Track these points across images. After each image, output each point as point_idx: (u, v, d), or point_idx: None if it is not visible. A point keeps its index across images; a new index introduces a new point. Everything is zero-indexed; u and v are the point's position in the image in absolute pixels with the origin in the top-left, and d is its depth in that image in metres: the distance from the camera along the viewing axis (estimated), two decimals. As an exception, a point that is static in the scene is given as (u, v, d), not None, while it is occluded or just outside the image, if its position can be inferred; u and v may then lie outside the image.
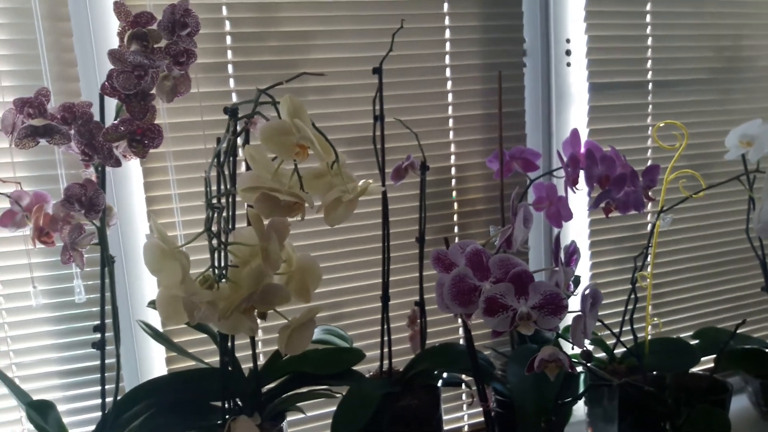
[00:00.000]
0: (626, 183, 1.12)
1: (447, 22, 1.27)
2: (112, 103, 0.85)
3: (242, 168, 1.07)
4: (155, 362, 1.17)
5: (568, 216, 1.19)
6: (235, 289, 0.79)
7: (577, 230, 1.43)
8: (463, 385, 1.22)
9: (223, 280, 0.80)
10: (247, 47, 1.15)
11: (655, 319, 1.33)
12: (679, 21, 1.46)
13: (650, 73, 1.45)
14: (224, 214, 0.82)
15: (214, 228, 0.78)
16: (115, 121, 0.81)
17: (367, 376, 1.15)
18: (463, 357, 1.11)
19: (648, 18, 1.42)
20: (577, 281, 1.17)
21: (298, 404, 1.03)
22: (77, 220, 0.87)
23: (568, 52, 1.37)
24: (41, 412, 0.94)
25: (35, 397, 0.97)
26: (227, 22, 1.13)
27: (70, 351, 1.11)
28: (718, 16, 1.49)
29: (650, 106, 1.46)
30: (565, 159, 1.15)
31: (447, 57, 1.29)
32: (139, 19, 0.78)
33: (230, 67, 1.14)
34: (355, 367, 1.08)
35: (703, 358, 1.19)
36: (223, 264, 0.80)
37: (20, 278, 1.07)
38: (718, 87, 1.51)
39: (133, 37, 0.77)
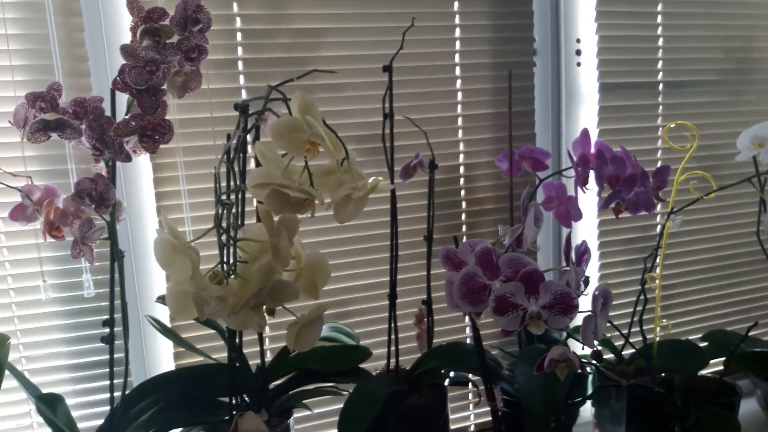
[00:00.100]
0: (636, 183, 1.11)
1: (457, 20, 1.27)
2: (123, 99, 0.85)
3: (251, 164, 1.07)
4: (163, 357, 1.17)
5: (578, 216, 1.18)
6: (244, 285, 0.79)
7: (586, 230, 1.42)
8: (470, 385, 1.21)
9: (232, 276, 0.80)
10: (258, 44, 1.15)
11: (664, 320, 1.32)
12: (690, 21, 1.45)
13: (661, 73, 1.44)
14: (234, 210, 0.83)
15: (223, 224, 0.78)
16: (126, 116, 0.81)
17: (373, 374, 1.15)
18: (470, 356, 1.11)
19: (659, 18, 1.42)
20: (586, 281, 1.16)
21: (305, 401, 1.03)
22: (87, 215, 0.87)
23: (578, 52, 1.36)
24: (50, 405, 0.94)
25: (44, 391, 0.97)
26: (238, 19, 1.13)
27: (79, 345, 1.11)
28: (728, 17, 1.48)
29: (660, 107, 1.45)
30: (575, 159, 1.15)
31: (457, 56, 1.28)
32: (151, 15, 0.79)
33: (240, 64, 1.14)
34: (362, 365, 1.08)
35: (711, 361, 1.19)
36: (232, 260, 0.80)
37: (30, 272, 1.07)
38: (728, 88, 1.50)
39: (145, 33, 0.78)
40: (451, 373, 1.17)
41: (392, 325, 1.15)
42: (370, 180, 0.80)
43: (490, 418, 1.27)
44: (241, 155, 0.87)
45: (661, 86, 1.44)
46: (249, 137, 0.88)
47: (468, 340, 1.36)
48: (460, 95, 1.30)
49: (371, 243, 1.26)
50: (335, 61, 1.20)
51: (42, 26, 1.02)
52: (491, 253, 0.83)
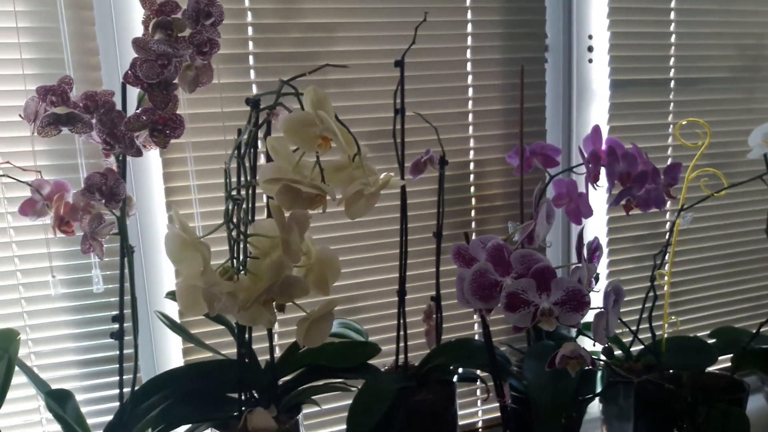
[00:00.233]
0: (647, 180, 1.10)
1: (469, 16, 1.27)
2: (133, 93, 0.85)
3: (262, 160, 1.07)
4: (172, 353, 1.17)
5: (588, 213, 1.18)
6: (255, 281, 0.78)
7: (596, 227, 1.41)
8: (479, 381, 1.21)
9: (243, 272, 0.79)
10: (269, 38, 1.14)
11: (673, 317, 1.32)
12: (703, 18, 1.44)
13: (672, 70, 1.43)
14: (244, 205, 0.82)
15: (234, 219, 0.78)
16: (138, 111, 0.81)
17: (382, 370, 1.15)
18: (479, 352, 1.11)
19: (671, 15, 1.41)
20: (596, 278, 1.16)
21: (314, 397, 1.03)
22: (97, 210, 0.87)
23: (590, 49, 1.36)
24: (60, 401, 0.94)
25: (54, 386, 0.97)
26: (249, 13, 1.13)
27: (89, 341, 1.11)
28: (741, 14, 1.47)
29: (672, 104, 1.44)
30: (586, 155, 1.14)
31: (468, 51, 1.28)
32: (164, 8, 0.78)
33: (251, 58, 1.14)
34: (370, 361, 1.08)
35: (719, 358, 1.18)
36: (242, 256, 0.80)
37: (39, 267, 1.07)
38: (741, 85, 1.49)
39: (157, 26, 0.77)
40: (460, 369, 1.17)
41: (401, 321, 1.15)
42: (382, 176, 0.79)
43: (498, 414, 1.27)
44: (251, 150, 0.86)
45: (672, 83, 1.44)
46: (260, 132, 0.88)
47: (477, 337, 1.36)
48: (471, 91, 1.29)
49: (381, 239, 1.26)
50: (347, 56, 1.19)
51: (53, 19, 1.02)
52: (503, 249, 0.82)
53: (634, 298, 1.44)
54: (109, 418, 0.96)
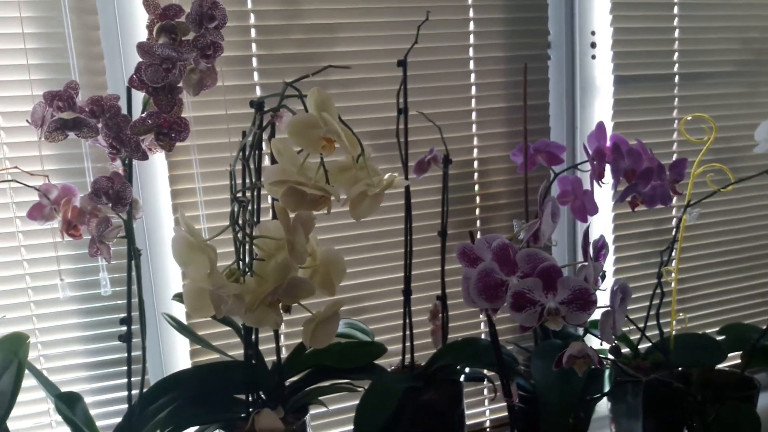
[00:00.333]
0: (653, 177, 1.10)
1: (471, 14, 1.26)
2: (138, 97, 0.85)
3: (266, 162, 1.07)
4: (179, 355, 1.18)
5: (594, 210, 1.18)
6: (261, 283, 0.79)
7: (602, 224, 1.41)
8: (486, 380, 1.21)
9: (249, 274, 0.80)
10: (272, 40, 1.14)
11: (681, 314, 1.31)
12: (706, 12, 1.43)
13: (677, 65, 1.42)
14: (249, 207, 0.82)
15: (239, 221, 0.78)
16: (143, 114, 0.81)
17: (389, 370, 1.15)
18: (485, 352, 1.10)
19: (675, 9, 1.40)
20: (603, 276, 1.16)
21: (321, 398, 1.03)
22: (104, 213, 0.88)
23: (593, 45, 1.35)
24: (69, 403, 0.95)
25: (63, 389, 0.98)
26: (252, 15, 1.13)
27: (97, 343, 1.12)
28: (745, 7, 1.46)
29: (676, 99, 1.44)
30: (590, 152, 1.14)
31: (471, 49, 1.27)
32: (167, 12, 0.79)
33: (254, 60, 1.14)
34: (377, 361, 1.08)
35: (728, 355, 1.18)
36: (248, 257, 0.80)
37: (48, 271, 1.08)
38: (746, 79, 1.49)
39: (161, 30, 0.78)
40: (467, 369, 1.17)
41: (407, 320, 1.15)
42: (386, 176, 0.79)
43: (506, 414, 1.27)
44: (256, 152, 0.86)
45: (677, 78, 1.43)
46: (264, 134, 0.88)
47: (483, 336, 1.36)
48: (474, 89, 1.29)
49: (385, 239, 1.26)
50: (349, 56, 1.19)
51: (58, 25, 1.02)
52: (508, 248, 0.82)
53: (641, 295, 1.43)
54: (118, 420, 0.97)
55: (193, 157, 1.13)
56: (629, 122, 1.40)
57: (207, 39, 0.80)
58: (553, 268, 0.79)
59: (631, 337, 1.27)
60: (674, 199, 1.17)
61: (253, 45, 1.14)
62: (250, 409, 0.96)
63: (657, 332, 1.20)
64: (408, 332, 1.15)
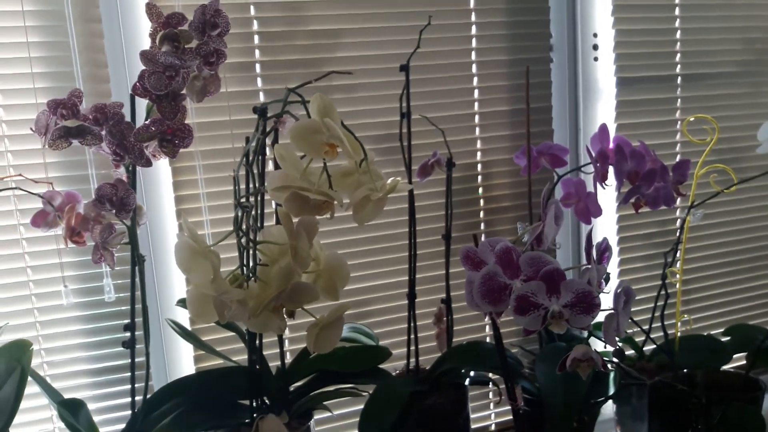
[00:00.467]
0: (656, 178, 1.10)
1: (473, 18, 1.27)
2: (142, 104, 0.86)
3: (270, 167, 1.07)
4: (183, 361, 1.18)
5: (598, 212, 1.17)
6: (264, 288, 0.79)
7: (606, 226, 1.41)
8: (491, 384, 1.21)
9: (252, 279, 0.80)
10: (275, 47, 1.15)
11: (685, 315, 1.31)
12: (708, 13, 1.43)
13: (679, 66, 1.42)
14: (253, 212, 0.83)
15: (243, 227, 0.78)
16: (146, 122, 0.82)
17: (393, 374, 1.15)
18: (490, 355, 1.10)
19: (676, 11, 1.40)
20: (606, 278, 1.16)
21: (326, 403, 1.03)
22: (108, 220, 0.88)
23: (595, 47, 1.35)
24: (72, 410, 0.95)
25: (66, 396, 0.98)
26: (255, 22, 1.13)
27: (100, 350, 1.12)
28: (747, 8, 1.46)
29: (679, 100, 1.44)
30: (593, 154, 1.14)
31: (473, 53, 1.28)
32: (170, 20, 0.79)
33: (257, 67, 1.14)
34: (381, 366, 1.08)
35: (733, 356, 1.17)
36: (252, 263, 0.80)
37: (51, 277, 1.08)
38: (748, 80, 1.48)
39: (164, 38, 0.78)
40: (472, 373, 1.17)
41: (411, 324, 1.14)
42: (389, 180, 0.79)
43: (511, 418, 1.27)
44: (260, 158, 0.87)
45: (679, 79, 1.43)
46: (268, 140, 0.88)
47: (488, 339, 1.36)
48: (476, 93, 1.29)
49: (389, 242, 1.26)
50: (352, 61, 1.19)
51: (62, 33, 1.03)
52: (511, 252, 0.82)
53: (645, 296, 1.43)
54: (122, 426, 0.97)
55: (196, 163, 1.13)
56: (632, 124, 1.40)
57: (210, 46, 0.80)
58: (556, 271, 0.79)
59: (636, 339, 1.27)
60: (678, 201, 1.17)
61: (257, 51, 1.14)
62: (255, 415, 0.96)
63: (662, 334, 1.19)
64: (412, 336, 1.15)
